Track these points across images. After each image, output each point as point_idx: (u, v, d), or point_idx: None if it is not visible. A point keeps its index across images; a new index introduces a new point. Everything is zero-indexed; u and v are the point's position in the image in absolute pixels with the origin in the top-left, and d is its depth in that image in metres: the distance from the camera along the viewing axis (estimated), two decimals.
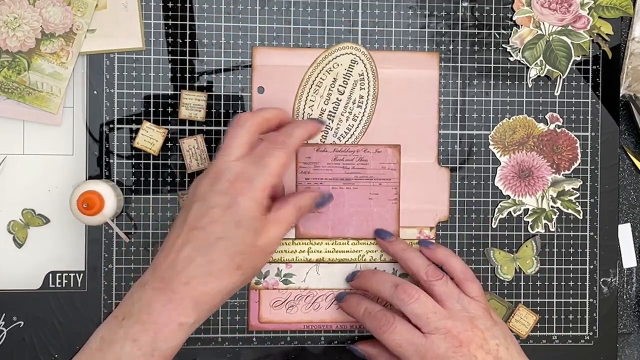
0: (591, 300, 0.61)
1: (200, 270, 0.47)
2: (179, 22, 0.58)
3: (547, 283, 0.61)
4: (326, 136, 0.58)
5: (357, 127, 0.58)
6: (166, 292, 0.47)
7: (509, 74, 0.61)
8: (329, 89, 0.58)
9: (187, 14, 0.58)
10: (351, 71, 0.58)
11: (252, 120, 0.52)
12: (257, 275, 0.59)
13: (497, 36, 0.60)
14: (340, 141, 0.58)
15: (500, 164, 0.61)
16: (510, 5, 0.60)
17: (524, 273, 0.61)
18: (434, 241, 0.59)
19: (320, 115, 0.58)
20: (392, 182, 0.59)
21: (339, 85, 0.58)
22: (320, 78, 0.58)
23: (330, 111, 0.58)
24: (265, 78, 0.59)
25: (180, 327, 0.47)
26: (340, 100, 0.58)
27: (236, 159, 0.50)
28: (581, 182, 0.61)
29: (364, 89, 0.58)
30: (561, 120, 0.61)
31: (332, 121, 0.58)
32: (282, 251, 0.59)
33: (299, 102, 0.58)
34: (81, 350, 0.49)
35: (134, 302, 0.47)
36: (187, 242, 0.48)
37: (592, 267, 0.61)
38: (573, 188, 0.61)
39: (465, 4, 0.60)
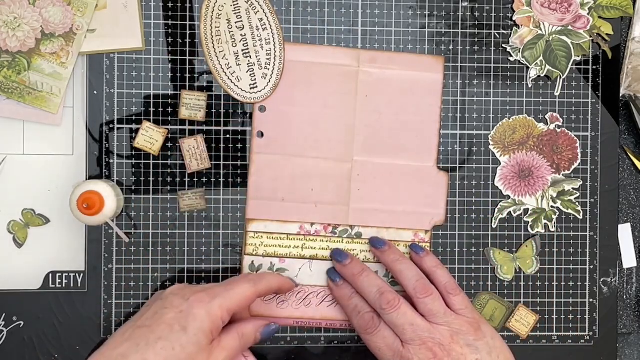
0: (591, 300, 0.61)
1: None
2: (179, 22, 0.58)
3: (547, 283, 0.61)
4: (254, 73, 0.56)
5: (275, 47, 0.58)
6: None
7: (509, 74, 0.61)
8: (229, 32, 0.57)
9: (187, 14, 0.58)
10: (237, 2, 0.58)
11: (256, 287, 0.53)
12: (250, 267, 0.59)
13: (497, 36, 0.60)
14: (268, 68, 0.57)
15: (500, 164, 0.61)
16: (510, 5, 0.60)
17: (524, 273, 0.61)
18: (424, 248, 0.59)
19: (236, 58, 0.56)
20: None
21: (235, 23, 0.57)
22: (215, 27, 0.57)
23: (243, 50, 0.58)
24: None
25: None
26: (244, 35, 0.57)
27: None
28: (581, 182, 0.61)
29: (257, 12, 0.57)
30: (561, 120, 0.61)
31: (250, 57, 0.57)
32: (276, 245, 0.59)
33: (211, 60, 0.58)
34: None
35: None
36: (129, 339, 0.48)
37: (592, 267, 0.61)
38: (573, 188, 0.61)
39: (465, 4, 0.60)
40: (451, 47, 0.60)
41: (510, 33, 0.60)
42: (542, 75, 0.61)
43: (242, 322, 0.54)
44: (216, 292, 0.51)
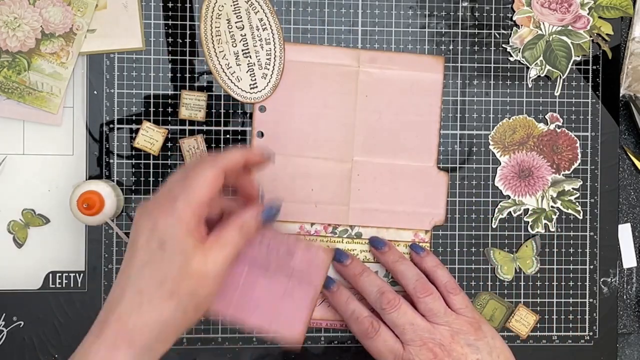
0: (591, 300, 0.61)
1: (131, 303, 0.44)
2: (179, 22, 0.58)
3: (547, 283, 0.61)
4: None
5: (275, 47, 0.58)
6: (100, 336, 0.44)
7: (509, 74, 0.61)
8: (229, 32, 0.57)
9: (187, 14, 0.58)
10: (237, 2, 0.57)
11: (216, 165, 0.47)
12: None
13: (497, 36, 0.60)
14: (268, 68, 0.57)
15: (500, 164, 0.61)
16: (510, 5, 0.60)
17: (524, 273, 0.61)
18: (424, 248, 0.59)
19: (236, 58, 0.56)
20: (312, 286, 0.52)
21: (235, 23, 0.57)
22: (215, 27, 0.57)
23: (243, 50, 0.57)
24: None
25: None
26: (244, 35, 0.57)
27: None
28: (581, 182, 0.61)
29: (257, 12, 0.57)
30: (561, 120, 0.61)
31: (250, 57, 0.57)
32: None
33: (211, 60, 0.58)
34: None
35: (80, 349, 0.45)
36: (118, 282, 0.45)
37: (592, 267, 0.61)
38: (573, 188, 0.61)
39: (465, 4, 0.60)
40: (451, 47, 0.60)
41: (510, 33, 0.60)
42: (542, 75, 0.61)
43: (240, 212, 0.49)
44: (176, 193, 0.46)
